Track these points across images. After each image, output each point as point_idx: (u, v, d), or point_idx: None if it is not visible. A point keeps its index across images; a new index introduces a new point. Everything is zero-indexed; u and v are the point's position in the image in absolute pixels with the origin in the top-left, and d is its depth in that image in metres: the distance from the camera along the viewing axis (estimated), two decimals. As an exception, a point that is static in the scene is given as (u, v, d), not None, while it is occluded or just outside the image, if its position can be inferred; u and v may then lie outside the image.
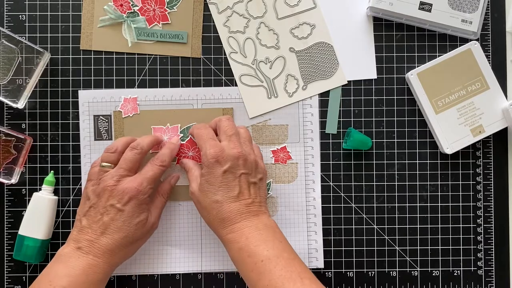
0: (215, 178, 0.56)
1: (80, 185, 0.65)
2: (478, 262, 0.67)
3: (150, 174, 0.58)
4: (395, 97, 0.67)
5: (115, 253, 0.56)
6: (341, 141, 0.67)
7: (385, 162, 0.67)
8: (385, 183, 0.67)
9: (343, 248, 0.66)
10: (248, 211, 0.56)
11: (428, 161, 0.67)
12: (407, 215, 0.67)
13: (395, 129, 0.67)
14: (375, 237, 0.66)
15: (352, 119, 0.67)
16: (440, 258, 0.67)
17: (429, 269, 0.67)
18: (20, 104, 0.63)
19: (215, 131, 0.62)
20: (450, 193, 0.67)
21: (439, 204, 0.67)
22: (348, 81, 0.67)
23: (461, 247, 0.67)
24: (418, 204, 0.67)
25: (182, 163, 0.63)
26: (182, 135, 0.65)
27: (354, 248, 0.66)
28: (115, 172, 0.57)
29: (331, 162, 0.67)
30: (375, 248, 0.66)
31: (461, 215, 0.67)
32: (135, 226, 0.57)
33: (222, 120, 0.61)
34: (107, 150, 0.60)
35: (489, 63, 0.66)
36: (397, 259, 0.67)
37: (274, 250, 0.53)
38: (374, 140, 0.67)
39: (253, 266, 0.53)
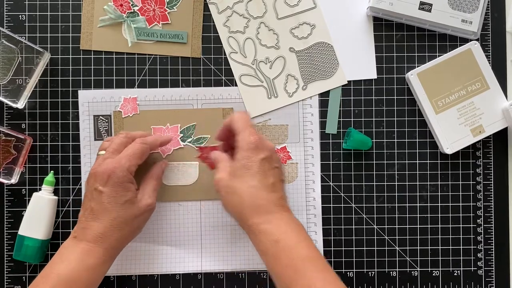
0: (253, 163, 0.54)
1: (80, 185, 0.65)
2: (478, 262, 0.67)
3: (129, 151, 0.57)
4: (395, 97, 0.67)
5: (108, 236, 0.55)
6: (341, 141, 0.67)
7: (385, 162, 0.67)
8: (385, 183, 0.67)
9: (343, 248, 0.66)
10: (282, 204, 0.55)
11: (428, 161, 0.67)
12: (407, 215, 0.67)
13: (395, 129, 0.67)
14: (375, 237, 0.66)
15: (352, 119, 0.67)
16: (440, 258, 0.67)
17: (429, 269, 0.67)
18: (20, 104, 0.63)
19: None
20: (450, 193, 0.67)
21: (439, 204, 0.67)
22: (348, 81, 0.67)
23: (461, 247, 0.67)
24: (418, 204, 0.67)
25: (213, 155, 0.60)
26: (182, 134, 0.65)
27: (354, 248, 0.66)
28: (101, 157, 0.58)
29: (331, 162, 0.67)
30: (375, 248, 0.66)
31: (461, 215, 0.67)
32: (123, 205, 0.55)
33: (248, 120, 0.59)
34: (105, 140, 0.61)
35: (489, 63, 0.66)
36: (397, 259, 0.67)
37: (311, 250, 0.52)
38: (374, 140, 0.67)
39: (289, 262, 0.51)
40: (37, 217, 0.62)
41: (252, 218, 0.54)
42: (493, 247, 0.67)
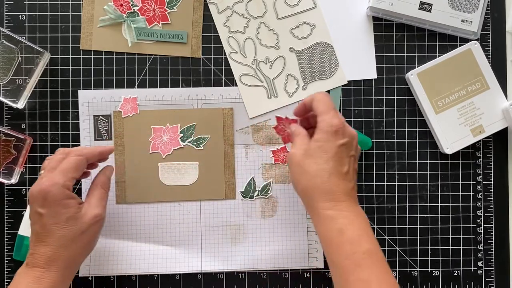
0: (331, 147, 0.53)
1: (80, 185, 0.65)
2: (478, 262, 0.67)
3: (64, 165, 0.54)
4: (395, 97, 0.67)
5: (57, 258, 0.52)
6: (341, 141, 0.67)
7: (385, 162, 0.67)
8: (385, 183, 0.67)
9: (343, 248, 0.66)
10: (352, 195, 0.53)
11: (428, 161, 0.67)
12: (407, 215, 0.67)
13: (395, 129, 0.67)
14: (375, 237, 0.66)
15: (352, 119, 0.67)
16: (440, 258, 0.67)
17: (429, 269, 0.67)
18: (20, 104, 0.63)
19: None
20: (450, 193, 0.67)
21: (439, 204, 0.67)
22: (348, 81, 0.67)
23: (461, 247, 0.67)
24: (418, 204, 0.67)
25: (293, 127, 0.58)
26: (182, 134, 0.65)
27: (354, 248, 0.66)
28: (39, 177, 0.55)
29: (331, 162, 0.66)
30: (375, 248, 0.66)
31: (461, 215, 0.67)
32: (66, 223, 0.52)
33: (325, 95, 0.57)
34: (46, 159, 0.57)
35: (489, 63, 0.66)
36: (397, 259, 0.67)
37: (375, 246, 0.51)
38: (374, 140, 0.67)
39: (351, 255, 0.50)
40: (37, 217, 0.62)
41: (320, 201, 0.52)
42: (493, 247, 0.67)
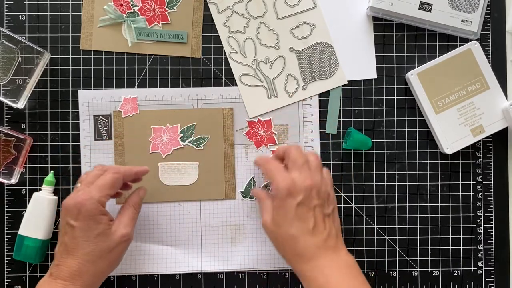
0: (289, 211, 0.54)
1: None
2: (478, 262, 0.67)
3: (101, 182, 0.55)
4: (395, 97, 0.67)
5: (83, 273, 0.53)
6: (341, 141, 0.67)
7: (385, 162, 0.67)
8: (385, 183, 0.67)
9: (343, 248, 0.66)
10: (326, 246, 0.54)
11: (428, 161, 0.67)
12: (407, 215, 0.67)
13: (395, 129, 0.67)
14: (375, 237, 0.66)
15: (352, 119, 0.67)
16: (440, 258, 0.67)
17: (429, 269, 0.67)
18: (20, 104, 0.63)
19: (281, 159, 0.60)
20: (450, 193, 0.67)
21: (439, 204, 0.67)
22: (348, 81, 0.67)
23: (461, 247, 0.67)
24: (418, 204, 0.67)
25: (253, 193, 0.61)
26: (182, 134, 0.65)
27: (354, 248, 0.66)
28: (75, 189, 0.56)
29: (331, 162, 0.67)
30: (375, 248, 0.66)
31: (461, 215, 0.67)
32: (95, 239, 0.53)
33: (291, 150, 0.58)
34: (84, 173, 0.58)
35: (489, 63, 0.66)
36: (397, 259, 0.67)
37: None
38: (374, 140, 0.67)
39: None
40: (37, 217, 0.62)
41: (297, 265, 0.54)
42: (493, 247, 0.67)
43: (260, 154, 0.62)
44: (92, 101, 0.65)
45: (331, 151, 0.67)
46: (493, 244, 0.67)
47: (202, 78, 0.66)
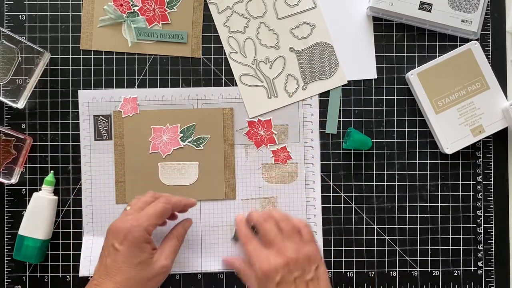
0: None
1: (80, 185, 0.65)
2: (478, 262, 0.67)
3: (151, 210, 0.56)
4: (395, 97, 0.67)
5: None
6: (341, 141, 0.67)
7: (385, 162, 0.67)
8: (385, 183, 0.67)
9: (343, 248, 0.66)
10: None
11: (428, 161, 0.67)
12: (407, 215, 0.67)
13: (395, 129, 0.67)
14: (375, 237, 0.66)
15: (352, 119, 0.67)
16: (440, 258, 0.67)
17: (429, 269, 0.67)
18: (20, 104, 0.63)
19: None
20: (450, 193, 0.67)
21: (439, 204, 0.67)
22: (348, 81, 0.67)
23: (461, 247, 0.67)
24: (418, 204, 0.67)
25: (229, 264, 0.61)
26: (182, 134, 0.65)
27: (354, 248, 0.66)
28: (124, 212, 0.57)
29: (331, 162, 0.67)
30: (375, 248, 0.66)
31: (461, 215, 0.67)
32: (136, 266, 0.53)
33: (262, 225, 0.57)
34: (136, 197, 0.59)
35: (489, 63, 0.66)
36: (397, 259, 0.67)
37: None
38: (374, 140, 0.67)
39: None
40: (37, 217, 0.62)
41: None
42: (493, 247, 0.67)
43: (238, 216, 0.60)
44: (92, 101, 0.65)
45: (331, 151, 0.67)
46: (493, 244, 0.67)
47: (202, 78, 0.66)
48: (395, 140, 0.67)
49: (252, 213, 0.59)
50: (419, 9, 0.65)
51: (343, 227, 0.66)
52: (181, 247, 0.65)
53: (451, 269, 0.67)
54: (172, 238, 0.59)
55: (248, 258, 0.56)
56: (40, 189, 0.64)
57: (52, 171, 0.65)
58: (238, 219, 0.60)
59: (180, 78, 0.66)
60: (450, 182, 0.67)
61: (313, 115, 0.66)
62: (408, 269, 0.66)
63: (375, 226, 0.67)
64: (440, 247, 0.67)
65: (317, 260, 0.56)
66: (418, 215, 0.67)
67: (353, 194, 0.67)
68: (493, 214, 0.67)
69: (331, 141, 0.67)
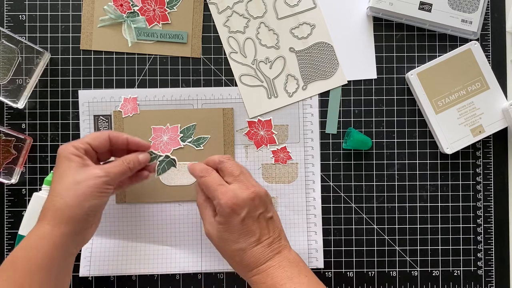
0: (234, 228, 0.53)
1: (80, 185, 0.65)
2: (478, 262, 0.67)
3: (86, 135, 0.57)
4: (395, 97, 0.67)
5: (50, 208, 0.52)
6: (341, 141, 0.67)
7: (385, 162, 0.67)
8: (385, 183, 0.67)
9: (343, 248, 0.66)
10: (271, 250, 0.54)
11: (428, 161, 0.67)
12: (407, 215, 0.67)
13: (395, 129, 0.67)
14: (375, 237, 0.66)
15: (352, 119, 0.67)
16: (440, 258, 0.67)
17: (429, 269, 0.67)
18: (20, 104, 0.63)
19: (216, 169, 0.58)
20: (450, 193, 0.67)
21: (439, 204, 0.67)
22: (348, 81, 0.67)
23: (461, 247, 0.67)
24: (418, 204, 0.67)
25: (199, 184, 0.59)
26: (182, 134, 0.65)
27: (354, 248, 0.66)
28: None
29: (331, 162, 0.67)
30: (375, 248, 0.66)
31: (461, 215, 0.67)
32: (69, 172, 0.53)
33: (224, 162, 0.57)
34: None
35: (489, 63, 0.66)
36: (397, 259, 0.67)
37: (301, 286, 0.52)
38: (374, 140, 0.67)
39: None
40: (37, 217, 0.62)
41: (244, 273, 0.55)
42: (493, 247, 0.67)
43: (192, 163, 0.60)
44: (92, 101, 0.65)
45: (331, 151, 0.67)
46: (493, 244, 0.67)
47: (202, 78, 0.66)
48: (395, 140, 0.67)
49: (211, 157, 0.59)
50: (419, 9, 0.65)
51: (343, 227, 0.66)
52: (181, 247, 0.65)
53: (451, 269, 0.67)
54: (117, 160, 0.57)
55: (209, 192, 0.55)
56: (40, 189, 0.64)
57: (52, 171, 0.64)
58: (191, 164, 0.59)
59: (180, 78, 0.66)
60: (450, 182, 0.67)
61: (313, 115, 0.66)
62: (408, 269, 0.67)
63: (375, 226, 0.67)
64: (440, 247, 0.67)
65: (271, 200, 0.57)
66: (418, 215, 0.67)
67: (353, 194, 0.67)
68: (493, 214, 0.67)
69: (331, 141, 0.67)
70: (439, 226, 0.67)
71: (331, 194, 0.66)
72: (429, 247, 0.67)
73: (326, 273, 0.66)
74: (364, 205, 0.67)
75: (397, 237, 0.67)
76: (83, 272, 0.64)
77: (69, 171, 0.53)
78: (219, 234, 0.55)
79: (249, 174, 0.57)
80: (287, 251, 0.55)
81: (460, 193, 0.67)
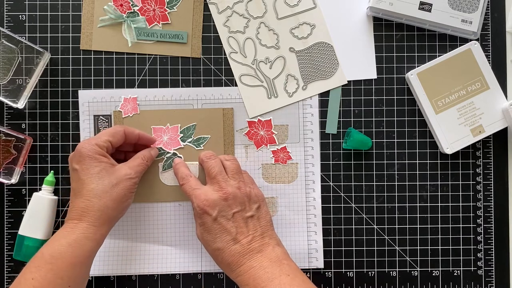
0: (209, 227, 0.56)
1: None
2: (478, 262, 0.67)
3: (102, 131, 0.60)
4: (395, 97, 0.67)
5: (89, 209, 0.55)
6: (341, 141, 0.67)
7: (385, 162, 0.67)
8: (385, 183, 0.67)
9: (343, 248, 0.66)
10: (250, 249, 0.55)
11: (428, 161, 0.67)
12: (407, 215, 0.67)
13: (395, 129, 0.67)
14: (375, 237, 0.67)
15: (352, 119, 0.67)
16: (440, 258, 0.67)
17: (429, 269, 0.67)
18: (20, 104, 0.63)
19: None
20: (450, 193, 0.67)
21: (439, 204, 0.67)
22: (348, 81, 0.67)
23: (461, 247, 0.67)
24: (418, 204, 0.67)
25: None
26: (182, 134, 0.65)
27: (354, 248, 0.66)
28: None
29: (331, 162, 0.67)
30: (375, 248, 0.66)
31: (461, 215, 0.67)
32: (98, 175, 0.56)
33: (205, 162, 0.60)
34: None
35: (489, 63, 0.66)
36: (397, 259, 0.67)
37: (281, 287, 0.52)
38: (374, 140, 0.67)
39: None
40: (37, 217, 0.62)
41: (228, 273, 0.57)
42: (493, 247, 0.67)
43: (176, 159, 0.64)
44: (92, 101, 0.65)
45: (331, 151, 0.67)
46: (493, 244, 0.67)
47: (202, 78, 0.66)
48: (395, 140, 0.67)
49: (199, 154, 0.62)
50: (419, 9, 0.65)
51: (343, 227, 0.66)
52: (181, 247, 0.65)
53: (451, 269, 0.67)
54: (137, 157, 0.60)
55: (188, 198, 0.59)
56: (40, 189, 0.64)
57: (52, 171, 0.65)
58: (177, 160, 0.63)
59: (180, 78, 0.66)
60: (450, 182, 0.67)
61: (313, 115, 0.66)
62: (408, 269, 0.67)
63: (375, 226, 0.67)
64: (440, 247, 0.67)
65: (259, 200, 0.59)
66: (418, 215, 0.67)
67: (353, 194, 0.67)
68: (493, 214, 0.67)
69: (331, 141, 0.67)
70: (439, 226, 0.67)
71: (331, 194, 0.66)
72: (429, 247, 0.67)
73: (326, 273, 0.66)
74: (364, 205, 0.67)
75: (397, 237, 0.67)
76: (83, 272, 0.64)
77: (101, 173, 0.56)
78: (201, 235, 0.58)
79: (234, 170, 0.59)
80: (270, 249, 0.56)
81: (460, 193, 0.67)
